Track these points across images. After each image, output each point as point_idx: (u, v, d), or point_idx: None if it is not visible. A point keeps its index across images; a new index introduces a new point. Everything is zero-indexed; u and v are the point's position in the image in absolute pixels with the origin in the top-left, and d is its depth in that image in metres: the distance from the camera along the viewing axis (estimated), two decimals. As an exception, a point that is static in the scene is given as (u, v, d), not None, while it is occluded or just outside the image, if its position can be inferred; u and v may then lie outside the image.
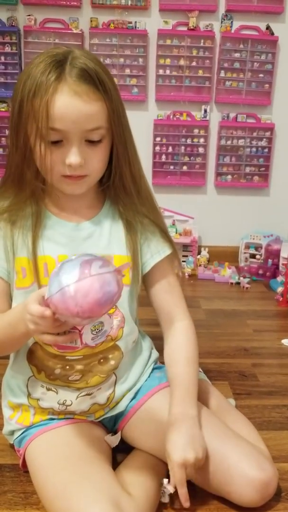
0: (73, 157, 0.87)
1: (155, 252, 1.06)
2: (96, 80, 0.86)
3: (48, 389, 1.02)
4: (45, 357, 0.99)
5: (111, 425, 1.12)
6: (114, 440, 1.06)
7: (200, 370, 1.26)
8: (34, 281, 0.95)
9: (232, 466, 0.94)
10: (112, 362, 1.03)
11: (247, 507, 0.96)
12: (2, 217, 0.96)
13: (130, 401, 1.09)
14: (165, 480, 0.97)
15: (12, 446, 1.12)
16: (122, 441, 1.10)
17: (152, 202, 1.06)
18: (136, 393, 1.10)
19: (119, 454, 1.10)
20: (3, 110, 2.55)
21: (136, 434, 1.08)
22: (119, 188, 0.99)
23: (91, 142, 0.89)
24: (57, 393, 1.02)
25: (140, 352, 1.14)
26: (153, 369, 1.15)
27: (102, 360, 1.02)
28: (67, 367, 1.00)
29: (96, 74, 0.86)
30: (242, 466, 0.93)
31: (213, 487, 0.98)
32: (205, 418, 1.01)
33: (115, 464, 1.04)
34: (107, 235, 1.01)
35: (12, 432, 1.08)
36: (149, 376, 1.13)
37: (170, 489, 0.93)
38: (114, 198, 1.02)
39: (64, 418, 1.05)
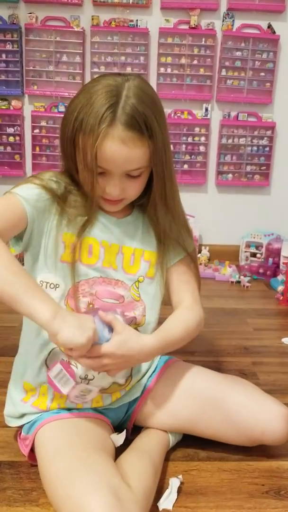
0: (112, 188, 0.99)
1: (177, 251, 1.15)
2: (143, 127, 0.94)
3: (71, 363, 1.03)
4: None
5: (122, 413, 1.16)
6: (119, 439, 1.08)
7: None
8: (78, 258, 1.03)
9: (261, 405, 1.08)
10: None
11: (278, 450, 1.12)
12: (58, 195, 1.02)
13: (146, 385, 1.16)
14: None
15: (15, 436, 1.11)
16: (126, 440, 1.10)
17: (181, 219, 1.13)
18: (151, 376, 1.18)
19: (121, 448, 1.10)
20: (4, 107, 2.55)
21: (151, 410, 1.15)
22: (152, 208, 1.08)
23: (131, 176, 1.00)
24: (77, 367, 1.03)
25: None
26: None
27: None
28: None
29: (144, 119, 0.94)
30: (269, 403, 1.09)
31: (247, 433, 1.09)
32: (226, 378, 1.17)
33: (115, 456, 1.05)
34: (140, 233, 1.12)
35: (22, 415, 1.08)
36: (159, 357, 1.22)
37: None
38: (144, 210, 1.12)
39: (77, 409, 1.07)
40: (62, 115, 1.01)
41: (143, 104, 0.94)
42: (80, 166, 0.98)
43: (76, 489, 0.84)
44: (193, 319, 1.11)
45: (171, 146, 1.17)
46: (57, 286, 1.03)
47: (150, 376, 1.18)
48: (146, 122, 0.94)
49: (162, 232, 1.11)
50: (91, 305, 1.04)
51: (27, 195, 0.97)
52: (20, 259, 1.02)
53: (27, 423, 1.08)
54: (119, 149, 0.93)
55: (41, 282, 1.03)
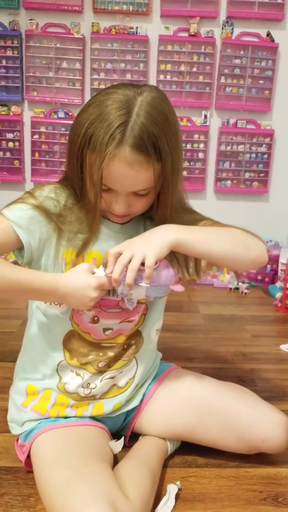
0: (117, 207, 0.95)
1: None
2: (151, 150, 0.88)
3: (77, 374, 1.06)
4: (82, 343, 1.06)
5: (120, 421, 1.16)
6: (117, 446, 1.08)
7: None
8: None
9: (261, 413, 1.09)
10: (134, 347, 1.11)
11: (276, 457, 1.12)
12: (56, 212, 0.99)
13: (145, 394, 1.16)
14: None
15: (15, 441, 1.11)
16: (124, 447, 1.11)
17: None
18: (150, 384, 1.18)
19: (118, 455, 1.10)
20: (4, 113, 2.56)
21: (149, 418, 1.15)
22: (159, 221, 1.02)
23: (138, 195, 0.95)
24: (83, 378, 1.06)
25: (155, 349, 1.22)
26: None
27: (125, 346, 1.10)
28: (101, 354, 1.07)
29: (153, 141, 0.88)
30: (268, 411, 1.10)
31: (246, 441, 1.09)
32: (225, 385, 1.17)
33: (113, 463, 1.05)
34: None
35: (23, 423, 1.08)
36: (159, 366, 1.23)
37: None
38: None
39: (76, 417, 1.07)
40: (63, 121, 0.97)
41: (153, 123, 0.88)
42: (86, 178, 0.95)
43: (74, 500, 0.84)
44: (239, 230, 1.03)
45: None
46: (62, 274, 1.00)
47: (150, 384, 1.17)
48: (155, 144, 0.88)
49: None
50: (95, 318, 1.04)
51: (19, 219, 0.94)
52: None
53: (25, 431, 1.07)
54: (125, 171, 0.89)
55: None
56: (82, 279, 0.94)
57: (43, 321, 1.05)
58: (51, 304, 1.03)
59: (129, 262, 0.89)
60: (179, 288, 0.94)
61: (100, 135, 0.87)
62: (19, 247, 0.97)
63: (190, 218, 1.06)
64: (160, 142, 0.89)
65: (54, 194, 1.00)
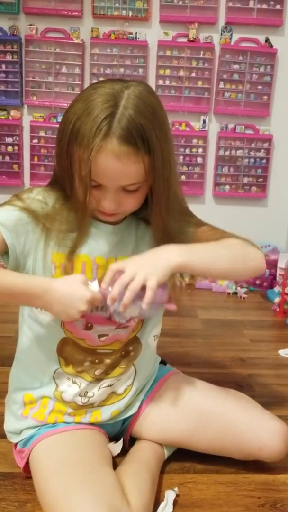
0: (107, 203, 0.93)
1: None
2: (139, 142, 0.86)
3: (74, 382, 1.05)
4: (76, 350, 1.04)
5: (118, 427, 1.15)
6: (116, 448, 1.08)
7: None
8: None
9: (259, 421, 1.08)
10: (132, 354, 1.10)
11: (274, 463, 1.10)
12: (43, 215, 0.97)
13: (143, 400, 1.15)
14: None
15: (13, 447, 1.11)
16: (123, 449, 1.10)
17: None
18: (148, 390, 1.17)
19: (118, 458, 1.10)
20: (3, 117, 2.56)
21: (146, 424, 1.14)
22: (154, 223, 1.00)
23: (127, 190, 0.93)
24: (80, 386, 1.05)
25: (154, 354, 1.21)
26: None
27: (123, 353, 1.09)
28: (96, 360, 1.05)
29: (142, 133, 0.86)
30: (267, 419, 1.09)
31: (244, 449, 1.08)
32: (223, 392, 1.16)
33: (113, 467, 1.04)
34: (134, 237, 1.05)
35: (21, 431, 1.07)
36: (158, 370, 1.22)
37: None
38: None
39: (74, 423, 1.06)
40: (61, 119, 0.95)
41: (141, 115, 0.86)
42: (75, 175, 0.92)
43: (76, 510, 0.83)
44: (238, 242, 1.02)
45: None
46: (54, 278, 0.98)
47: (148, 390, 1.17)
48: (144, 136, 0.86)
49: (166, 236, 1.02)
50: (89, 325, 1.03)
51: (5, 219, 0.93)
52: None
53: (24, 439, 1.06)
54: (113, 164, 0.87)
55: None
56: (76, 289, 0.90)
57: (36, 329, 1.04)
58: (41, 310, 1.01)
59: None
60: (172, 306, 0.95)
61: (86, 129, 0.86)
62: (5, 251, 0.95)
63: (190, 223, 1.05)
64: (149, 134, 0.87)
65: (42, 196, 0.99)
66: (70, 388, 1.05)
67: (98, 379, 1.06)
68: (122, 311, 0.90)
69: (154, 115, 0.89)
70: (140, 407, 1.15)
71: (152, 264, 0.90)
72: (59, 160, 0.95)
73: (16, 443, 1.09)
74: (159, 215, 0.98)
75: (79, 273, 0.99)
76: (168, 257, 0.91)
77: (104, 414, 1.09)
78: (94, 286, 0.93)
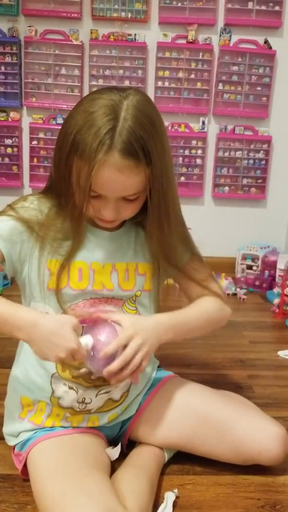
0: (107, 212, 0.94)
1: (181, 255, 1.12)
2: (140, 154, 0.88)
3: (70, 388, 1.04)
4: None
5: (117, 430, 1.15)
6: (114, 453, 1.08)
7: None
8: (67, 284, 1.00)
9: (258, 425, 1.08)
10: None
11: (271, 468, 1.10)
12: (39, 223, 0.98)
13: (141, 403, 1.15)
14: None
15: (11, 450, 1.11)
16: (121, 453, 1.10)
17: (180, 231, 1.11)
18: (146, 393, 1.16)
19: (117, 462, 1.09)
20: (2, 119, 2.56)
21: (144, 427, 1.14)
22: (150, 228, 1.02)
23: (127, 199, 0.94)
24: (77, 392, 1.04)
25: (151, 359, 1.21)
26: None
27: None
28: None
29: (142, 145, 0.88)
30: (265, 423, 1.09)
31: (242, 453, 1.07)
32: (222, 395, 1.18)
33: (111, 472, 1.04)
34: (133, 245, 1.07)
35: (18, 434, 1.07)
36: (156, 373, 1.22)
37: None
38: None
39: (72, 427, 1.06)
40: (60, 129, 0.95)
41: (141, 127, 0.87)
42: (74, 185, 0.93)
43: None
44: (213, 307, 1.11)
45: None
46: (47, 314, 0.99)
47: (146, 394, 1.16)
48: (144, 147, 0.88)
49: (161, 244, 1.05)
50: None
51: (0, 230, 0.95)
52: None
53: (21, 441, 1.06)
54: (115, 177, 0.88)
55: None
56: (63, 335, 0.88)
57: None
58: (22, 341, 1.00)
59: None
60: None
61: (88, 142, 0.86)
62: (2, 260, 0.96)
63: (187, 247, 1.13)
64: (149, 145, 0.89)
65: (36, 204, 1.00)
66: (68, 394, 1.04)
67: (95, 386, 1.05)
68: (99, 373, 0.95)
69: (153, 125, 0.90)
70: (138, 410, 1.14)
71: (153, 338, 0.97)
72: (57, 169, 0.96)
73: (14, 447, 1.08)
74: (157, 223, 1.00)
75: (75, 279, 0.99)
76: (163, 335, 1.00)
77: (101, 419, 1.09)
78: (85, 339, 0.92)
